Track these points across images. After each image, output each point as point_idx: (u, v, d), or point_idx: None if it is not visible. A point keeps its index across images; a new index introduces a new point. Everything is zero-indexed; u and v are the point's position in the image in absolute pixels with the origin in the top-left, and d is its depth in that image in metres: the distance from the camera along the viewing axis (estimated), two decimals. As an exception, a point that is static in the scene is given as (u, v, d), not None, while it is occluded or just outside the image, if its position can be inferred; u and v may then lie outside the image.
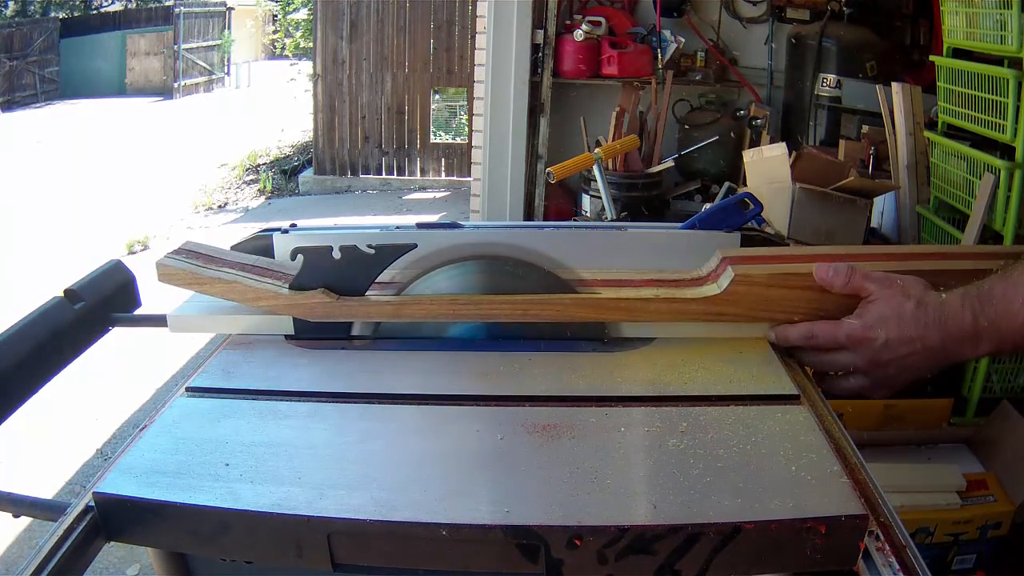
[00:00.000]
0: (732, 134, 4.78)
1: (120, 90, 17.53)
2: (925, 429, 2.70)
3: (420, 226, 1.16)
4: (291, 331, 1.08)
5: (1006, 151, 2.62)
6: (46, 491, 3.14)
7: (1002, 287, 0.92)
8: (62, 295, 1.18)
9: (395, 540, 0.75)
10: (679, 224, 1.18)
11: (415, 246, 1.03)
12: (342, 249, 1.02)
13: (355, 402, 0.93)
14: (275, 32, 19.66)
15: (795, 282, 1.01)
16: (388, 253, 1.02)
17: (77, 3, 19.29)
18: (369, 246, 1.02)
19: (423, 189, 8.57)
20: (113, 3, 20.13)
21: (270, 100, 15.39)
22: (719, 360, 1.00)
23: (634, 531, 0.71)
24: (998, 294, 0.92)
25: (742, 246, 1.14)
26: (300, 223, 1.29)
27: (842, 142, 3.64)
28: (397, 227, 1.19)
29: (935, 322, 0.95)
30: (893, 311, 0.96)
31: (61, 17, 18.19)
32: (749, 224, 1.18)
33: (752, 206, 1.14)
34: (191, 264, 1.09)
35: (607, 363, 1.00)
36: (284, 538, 0.76)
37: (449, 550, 0.74)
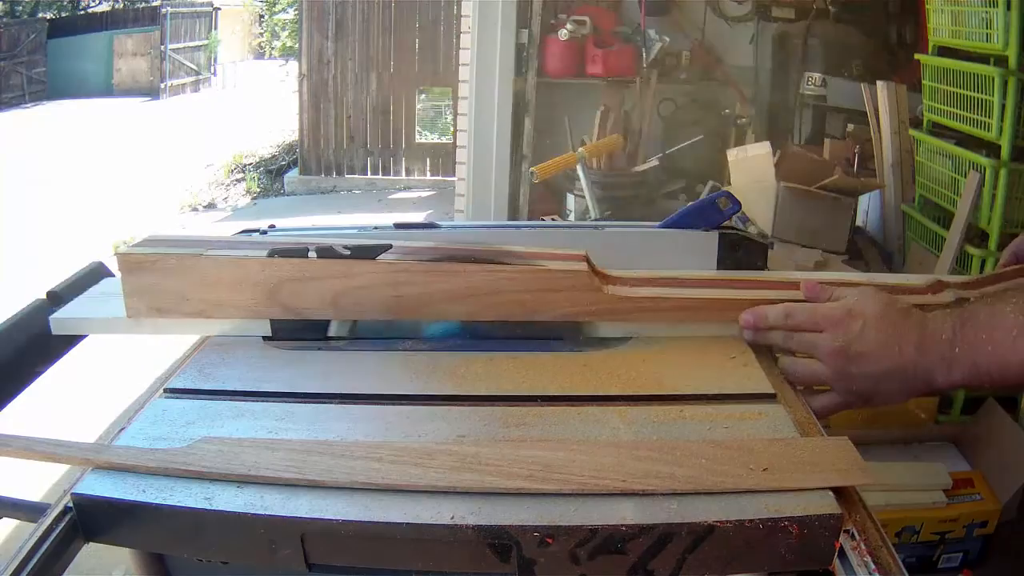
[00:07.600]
0: (717, 133, 4.78)
1: (107, 90, 17.41)
2: (911, 427, 2.71)
3: (398, 226, 1.16)
4: (268, 332, 1.07)
5: (991, 149, 2.62)
6: (33, 493, 3.12)
7: (987, 312, 0.90)
8: (44, 297, 1.17)
9: (368, 540, 0.75)
10: (655, 223, 1.18)
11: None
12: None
13: (331, 403, 0.92)
14: (262, 33, 19.63)
15: None
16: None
17: (65, 4, 19.17)
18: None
19: (408, 189, 8.55)
20: (100, 4, 19.99)
21: (256, 101, 15.34)
22: (695, 359, 1.00)
23: (605, 530, 0.71)
24: (983, 318, 0.90)
25: (720, 246, 1.14)
26: (279, 223, 1.29)
27: (827, 141, 3.65)
28: (375, 227, 1.19)
29: (916, 325, 0.94)
30: (877, 304, 0.96)
31: (49, 18, 18.06)
32: (731, 223, 1.18)
33: (729, 204, 1.14)
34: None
35: (583, 362, 1.00)
36: (258, 539, 0.75)
37: (422, 550, 0.74)
